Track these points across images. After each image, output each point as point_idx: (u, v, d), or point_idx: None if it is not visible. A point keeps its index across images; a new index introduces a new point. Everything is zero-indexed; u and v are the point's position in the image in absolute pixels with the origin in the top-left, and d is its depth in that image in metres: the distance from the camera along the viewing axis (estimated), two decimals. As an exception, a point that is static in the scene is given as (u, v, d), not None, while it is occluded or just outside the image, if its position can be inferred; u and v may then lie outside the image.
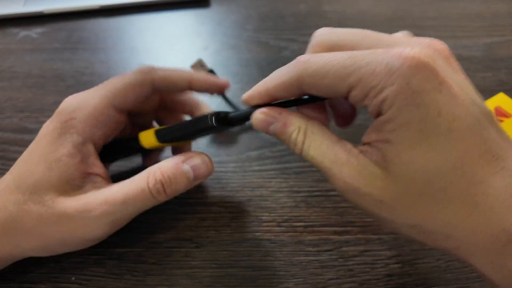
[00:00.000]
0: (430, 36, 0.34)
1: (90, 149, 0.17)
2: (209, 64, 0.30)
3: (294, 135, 0.14)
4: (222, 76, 0.20)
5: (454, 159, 0.11)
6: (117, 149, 0.20)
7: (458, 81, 0.12)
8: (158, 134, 0.18)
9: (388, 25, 0.33)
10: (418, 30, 0.32)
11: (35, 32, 0.33)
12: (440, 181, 0.12)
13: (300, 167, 0.23)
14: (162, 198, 0.16)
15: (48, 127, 0.17)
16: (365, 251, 0.20)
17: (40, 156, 0.16)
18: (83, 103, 0.17)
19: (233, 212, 0.21)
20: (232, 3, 0.36)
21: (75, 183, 0.16)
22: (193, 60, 0.27)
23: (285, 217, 0.21)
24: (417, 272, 0.19)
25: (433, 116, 0.11)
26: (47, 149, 0.16)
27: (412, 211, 0.12)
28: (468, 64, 0.29)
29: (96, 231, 0.16)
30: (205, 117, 0.16)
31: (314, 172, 0.23)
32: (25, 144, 0.25)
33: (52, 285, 0.18)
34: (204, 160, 0.17)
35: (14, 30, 0.33)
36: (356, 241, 0.20)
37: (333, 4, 0.35)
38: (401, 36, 0.14)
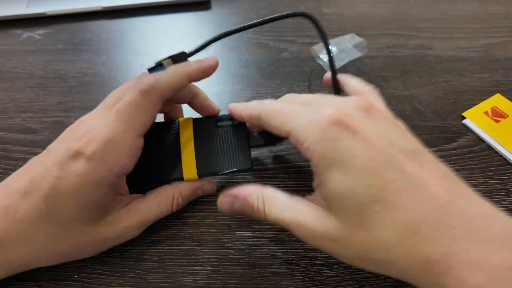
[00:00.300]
0: (427, 37, 0.35)
1: (122, 179, 0.18)
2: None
3: (255, 204, 0.16)
4: (208, 57, 0.20)
5: (376, 191, 0.13)
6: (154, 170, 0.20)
7: (375, 129, 0.15)
8: (199, 173, 0.20)
9: (386, 27, 0.33)
10: (416, 31, 0.33)
11: (37, 33, 0.33)
12: (369, 211, 0.14)
13: (300, 166, 0.23)
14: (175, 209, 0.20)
15: (81, 165, 0.16)
16: (364, 249, 0.20)
17: (70, 195, 0.16)
18: (118, 143, 0.16)
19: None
20: (233, 6, 0.36)
21: (107, 209, 0.18)
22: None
23: (285, 216, 0.21)
24: (415, 270, 0.19)
25: (349, 158, 0.14)
26: (81, 189, 0.16)
27: (357, 243, 0.14)
28: (465, 65, 0.30)
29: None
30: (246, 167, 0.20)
31: (313, 172, 0.23)
32: (28, 144, 0.25)
33: (55, 283, 0.19)
34: (213, 188, 0.21)
35: (17, 32, 0.34)
36: (354, 240, 0.20)
37: (331, 7, 0.36)
38: (338, 98, 0.17)
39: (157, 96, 0.18)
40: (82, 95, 0.28)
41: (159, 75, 0.18)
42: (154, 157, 0.20)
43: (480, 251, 0.12)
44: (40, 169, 0.16)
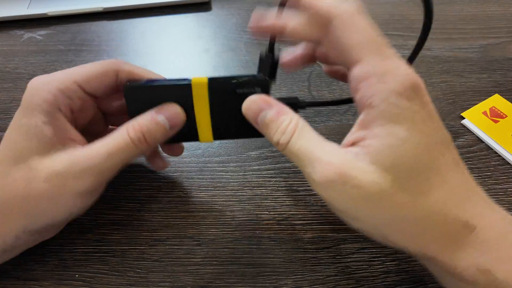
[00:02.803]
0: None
1: (63, 119, 0.17)
2: (210, 66, 0.31)
3: (285, 124, 0.15)
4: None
5: (432, 159, 0.13)
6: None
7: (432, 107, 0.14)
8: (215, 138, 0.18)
9: (385, 28, 0.33)
10: (415, 32, 0.33)
11: (39, 34, 0.34)
12: (422, 176, 0.13)
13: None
14: (144, 147, 0.17)
15: (21, 104, 0.17)
16: (363, 248, 0.20)
17: (16, 129, 0.16)
18: (48, 79, 0.17)
19: (234, 210, 0.22)
20: (233, 7, 0.36)
21: (56, 148, 0.16)
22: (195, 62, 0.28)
23: (284, 215, 0.21)
24: (414, 269, 0.19)
25: (420, 121, 0.13)
26: (21, 121, 0.16)
27: (396, 204, 0.13)
28: (463, 65, 0.30)
29: (85, 183, 0.16)
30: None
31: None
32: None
33: (56, 283, 0.19)
34: (176, 111, 0.18)
35: (18, 32, 0.34)
36: (353, 239, 0.20)
37: (331, 7, 0.36)
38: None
39: (115, 68, 0.18)
40: (83, 96, 0.28)
41: (128, 63, 0.19)
42: None
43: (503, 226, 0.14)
44: None
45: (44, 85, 0.17)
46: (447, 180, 0.14)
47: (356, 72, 0.14)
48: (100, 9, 0.35)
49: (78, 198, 0.17)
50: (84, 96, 0.18)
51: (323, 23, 0.14)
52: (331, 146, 0.15)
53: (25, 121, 0.16)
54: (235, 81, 0.17)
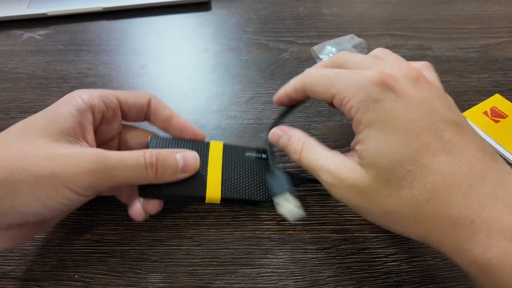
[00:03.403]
0: (426, 38, 0.35)
1: (89, 118, 0.18)
2: (210, 65, 0.31)
3: (294, 145, 0.18)
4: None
5: (411, 152, 0.14)
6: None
7: (419, 96, 0.15)
8: (223, 195, 0.19)
9: (385, 28, 0.33)
10: (415, 32, 0.33)
11: (38, 34, 0.34)
12: (401, 169, 0.14)
13: (300, 166, 0.24)
14: (151, 175, 0.17)
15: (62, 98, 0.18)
16: (363, 249, 0.20)
17: (42, 112, 0.17)
18: (93, 90, 0.19)
19: (234, 211, 0.22)
20: (233, 7, 0.36)
21: (68, 139, 0.16)
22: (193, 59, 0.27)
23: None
24: (414, 270, 0.19)
25: (390, 119, 0.15)
26: (53, 107, 0.17)
27: (384, 199, 0.14)
28: (464, 65, 0.30)
29: (84, 177, 0.15)
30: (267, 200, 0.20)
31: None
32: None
33: (55, 283, 0.19)
34: (195, 156, 0.19)
35: (18, 32, 0.34)
36: (354, 239, 0.20)
37: (331, 7, 0.36)
38: (390, 62, 0.18)
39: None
40: (83, 96, 0.28)
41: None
42: None
43: (511, 222, 0.12)
44: None
45: (88, 91, 0.18)
46: (434, 169, 0.14)
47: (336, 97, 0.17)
48: (100, 9, 0.35)
49: (69, 190, 0.15)
50: (118, 109, 0.19)
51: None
52: (331, 154, 0.17)
53: (53, 108, 0.17)
54: (244, 146, 0.21)
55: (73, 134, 0.17)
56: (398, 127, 0.14)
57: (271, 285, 0.19)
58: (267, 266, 0.19)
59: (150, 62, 0.31)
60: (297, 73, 0.30)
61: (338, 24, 0.34)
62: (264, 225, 0.21)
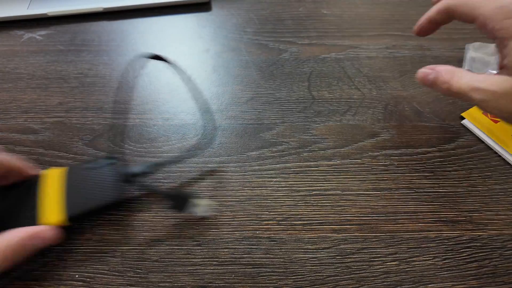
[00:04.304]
0: (426, 38, 0.35)
1: None
2: (211, 66, 0.31)
3: (443, 77, 0.20)
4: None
5: None
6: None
7: None
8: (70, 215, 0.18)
9: (385, 28, 0.33)
10: (415, 33, 0.33)
11: (39, 34, 0.34)
12: None
13: (299, 167, 0.24)
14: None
15: None
16: (363, 248, 0.20)
17: None
18: None
19: (234, 210, 0.22)
20: (233, 7, 0.36)
21: None
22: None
23: (285, 216, 0.21)
24: (414, 269, 0.19)
25: None
26: None
27: None
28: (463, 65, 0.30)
29: None
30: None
31: (313, 172, 0.23)
32: (30, 144, 0.25)
33: (56, 283, 0.19)
34: (54, 234, 0.18)
35: (18, 32, 0.34)
36: (353, 239, 0.20)
37: (331, 8, 0.36)
38: None
39: None
40: (84, 96, 0.28)
41: None
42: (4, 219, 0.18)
43: None
44: None
45: None
46: None
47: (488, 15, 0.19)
48: (100, 9, 0.35)
49: None
50: None
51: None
52: (482, 76, 0.19)
53: None
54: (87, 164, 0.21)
55: None
56: None
57: (271, 284, 0.19)
58: (267, 266, 0.19)
59: (150, 62, 0.31)
60: (297, 74, 0.30)
61: (338, 24, 0.34)
62: (264, 225, 0.21)
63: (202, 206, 0.20)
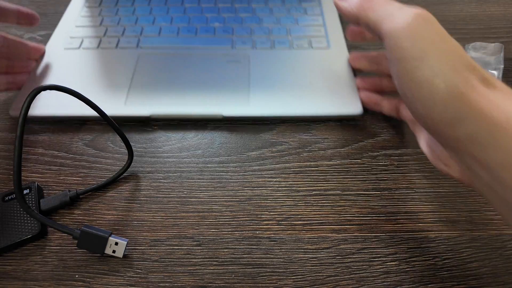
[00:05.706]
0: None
1: None
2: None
3: None
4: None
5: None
6: None
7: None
8: None
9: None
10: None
11: (39, 34, 0.34)
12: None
13: (299, 167, 0.24)
14: None
15: None
16: (363, 249, 0.20)
17: None
18: None
19: (234, 210, 0.22)
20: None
21: None
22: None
23: (285, 216, 0.21)
24: (414, 269, 0.19)
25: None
26: None
27: None
28: (464, 66, 0.30)
29: None
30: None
31: (313, 172, 0.23)
32: (30, 144, 0.25)
33: (56, 283, 0.19)
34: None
35: (18, 33, 0.34)
36: (353, 239, 0.20)
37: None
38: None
39: None
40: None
41: None
42: None
43: None
44: None
45: None
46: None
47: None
48: (220, 117, 0.25)
49: None
50: None
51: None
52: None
53: None
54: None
55: None
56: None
57: (271, 284, 0.19)
58: (267, 266, 0.19)
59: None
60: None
61: (338, 24, 0.34)
62: (263, 225, 0.21)
63: (118, 247, 0.19)
